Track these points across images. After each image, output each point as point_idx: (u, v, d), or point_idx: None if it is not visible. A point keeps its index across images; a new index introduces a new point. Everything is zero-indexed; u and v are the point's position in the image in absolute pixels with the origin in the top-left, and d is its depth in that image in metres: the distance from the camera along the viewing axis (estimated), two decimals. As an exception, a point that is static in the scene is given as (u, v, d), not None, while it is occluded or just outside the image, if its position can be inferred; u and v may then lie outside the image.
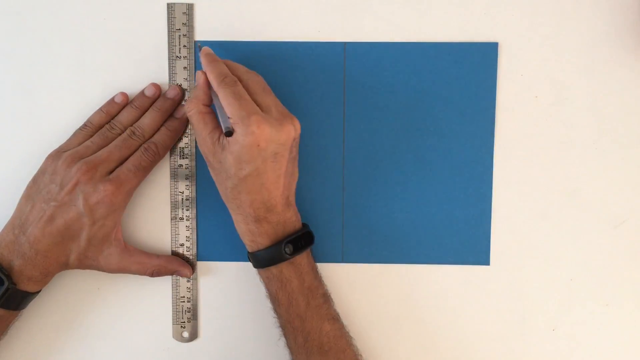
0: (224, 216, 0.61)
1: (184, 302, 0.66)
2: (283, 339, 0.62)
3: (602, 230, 0.65)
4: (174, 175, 0.65)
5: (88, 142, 0.61)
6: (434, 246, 0.65)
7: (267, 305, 0.62)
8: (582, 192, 0.65)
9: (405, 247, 0.65)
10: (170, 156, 0.64)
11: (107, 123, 0.63)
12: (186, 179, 0.65)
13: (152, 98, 0.63)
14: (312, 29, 0.64)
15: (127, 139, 0.61)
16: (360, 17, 0.63)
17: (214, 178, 0.60)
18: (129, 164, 0.60)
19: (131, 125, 0.62)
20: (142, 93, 0.63)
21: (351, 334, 0.62)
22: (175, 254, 0.65)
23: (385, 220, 0.65)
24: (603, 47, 0.64)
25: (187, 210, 0.65)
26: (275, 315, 0.62)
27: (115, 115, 0.63)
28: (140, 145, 0.61)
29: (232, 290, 0.66)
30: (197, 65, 0.63)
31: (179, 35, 0.63)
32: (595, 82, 0.64)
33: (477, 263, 0.65)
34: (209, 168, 0.60)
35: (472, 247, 0.65)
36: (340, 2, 0.63)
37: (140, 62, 0.64)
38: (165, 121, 0.63)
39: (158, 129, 0.63)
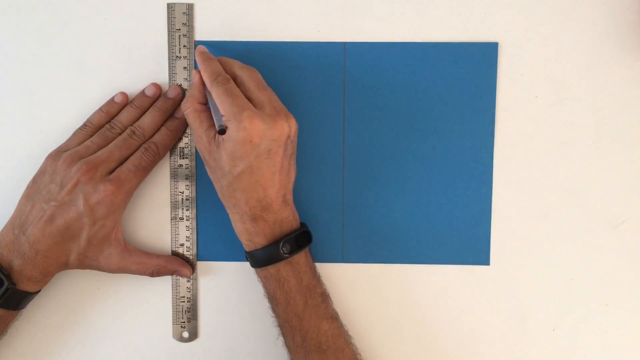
0: (223, 216, 0.61)
1: (183, 302, 0.66)
2: (281, 338, 0.62)
3: (602, 230, 0.65)
4: (174, 175, 0.65)
5: (88, 142, 0.61)
6: (434, 246, 0.65)
7: (267, 305, 0.62)
8: (582, 192, 0.65)
9: (405, 247, 0.65)
10: (170, 156, 0.64)
11: (107, 123, 0.63)
12: (186, 179, 0.65)
13: (153, 98, 0.63)
14: (312, 29, 0.64)
15: (127, 138, 0.61)
16: (360, 17, 0.63)
17: (211, 176, 0.60)
18: (129, 164, 0.60)
19: (131, 125, 0.62)
20: (142, 93, 0.63)
21: (351, 333, 0.62)
22: (175, 254, 0.65)
23: (385, 220, 0.65)
24: (603, 47, 0.64)
25: (187, 210, 0.65)
26: (273, 314, 0.62)
27: (115, 115, 0.63)
28: (140, 145, 0.61)
29: (232, 290, 0.66)
30: (196, 65, 0.63)
31: (179, 35, 0.63)
32: (595, 82, 0.64)
33: (477, 263, 0.65)
34: (205, 167, 0.60)
35: (472, 247, 0.65)
36: (340, 2, 0.63)
37: (140, 62, 0.64)
38: (165, 121, 0.63)
39: (158, 129, 0.63)
